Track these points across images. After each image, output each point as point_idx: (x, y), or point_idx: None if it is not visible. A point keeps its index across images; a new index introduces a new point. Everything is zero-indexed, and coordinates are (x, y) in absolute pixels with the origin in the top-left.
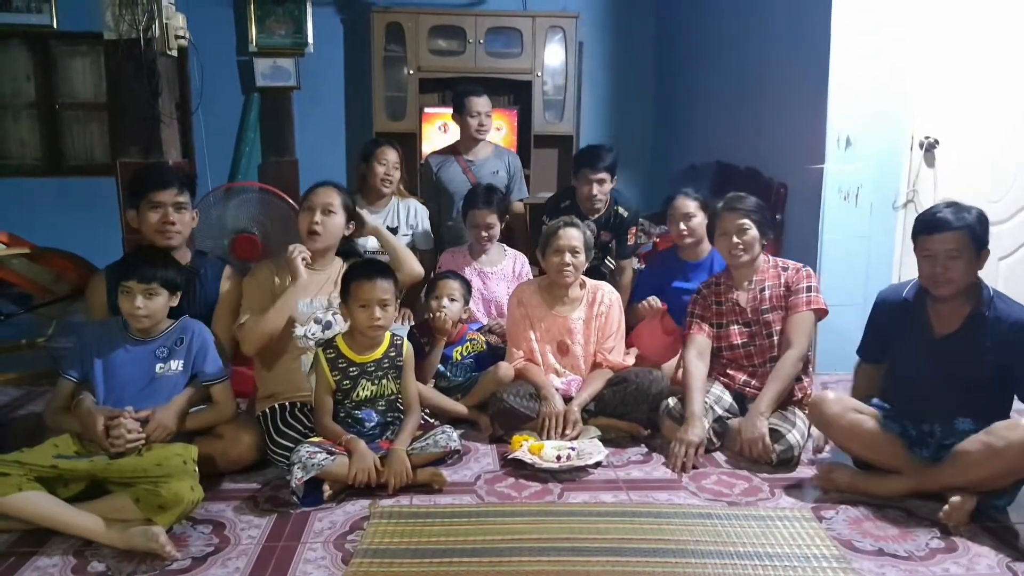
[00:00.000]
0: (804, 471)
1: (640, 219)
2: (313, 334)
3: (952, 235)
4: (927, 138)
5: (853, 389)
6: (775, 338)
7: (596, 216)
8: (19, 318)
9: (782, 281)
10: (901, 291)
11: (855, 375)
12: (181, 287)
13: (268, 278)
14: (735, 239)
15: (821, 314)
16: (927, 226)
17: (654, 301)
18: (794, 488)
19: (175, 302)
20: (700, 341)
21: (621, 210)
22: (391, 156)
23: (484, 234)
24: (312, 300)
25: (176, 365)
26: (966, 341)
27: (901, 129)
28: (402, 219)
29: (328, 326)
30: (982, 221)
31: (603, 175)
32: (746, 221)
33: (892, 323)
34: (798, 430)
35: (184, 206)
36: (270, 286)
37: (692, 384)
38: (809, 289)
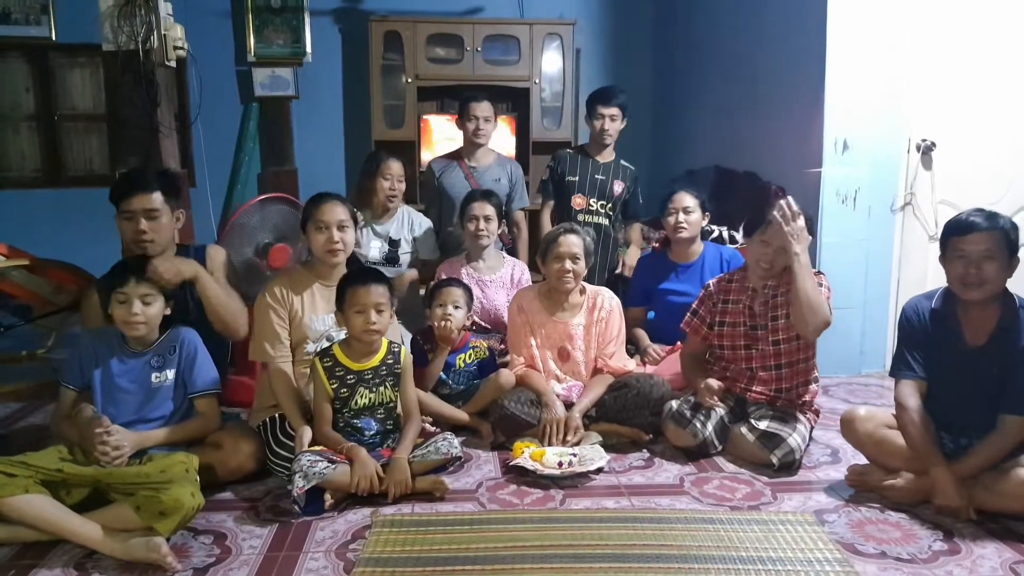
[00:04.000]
0: (806, 475)
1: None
2: None
3: (987, 235)
4: (924, 140)
5: (908, 421)
6: (781, 346)
7: (605, 159)
8: (19, 330)
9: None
10: (929, 301)
11: (903, 397)
12: (174, 296)
13: (281, 298)
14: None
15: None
16: (961, 227)
17: (655, 352)
18: (796, 492)
19: (169, 310)
20: (696, 347)
21: (625, 163)
22: (396, 169)
23: (481, 227)
24: (324, 316)
25: (171, 374)
26: (999, 351)
27: (898, 132)
28: (405, 230)
29: None
30: (1015, 227)
31: (615, 111)
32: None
33: (926, 334)
34: (799, 434)
35: (157, 213)
36: (282, 306)
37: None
38: None
